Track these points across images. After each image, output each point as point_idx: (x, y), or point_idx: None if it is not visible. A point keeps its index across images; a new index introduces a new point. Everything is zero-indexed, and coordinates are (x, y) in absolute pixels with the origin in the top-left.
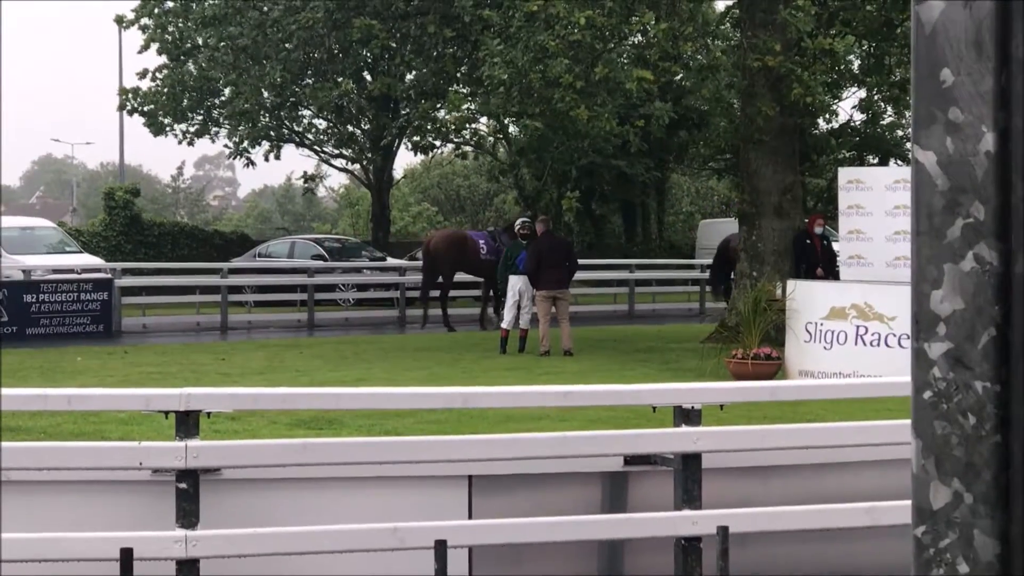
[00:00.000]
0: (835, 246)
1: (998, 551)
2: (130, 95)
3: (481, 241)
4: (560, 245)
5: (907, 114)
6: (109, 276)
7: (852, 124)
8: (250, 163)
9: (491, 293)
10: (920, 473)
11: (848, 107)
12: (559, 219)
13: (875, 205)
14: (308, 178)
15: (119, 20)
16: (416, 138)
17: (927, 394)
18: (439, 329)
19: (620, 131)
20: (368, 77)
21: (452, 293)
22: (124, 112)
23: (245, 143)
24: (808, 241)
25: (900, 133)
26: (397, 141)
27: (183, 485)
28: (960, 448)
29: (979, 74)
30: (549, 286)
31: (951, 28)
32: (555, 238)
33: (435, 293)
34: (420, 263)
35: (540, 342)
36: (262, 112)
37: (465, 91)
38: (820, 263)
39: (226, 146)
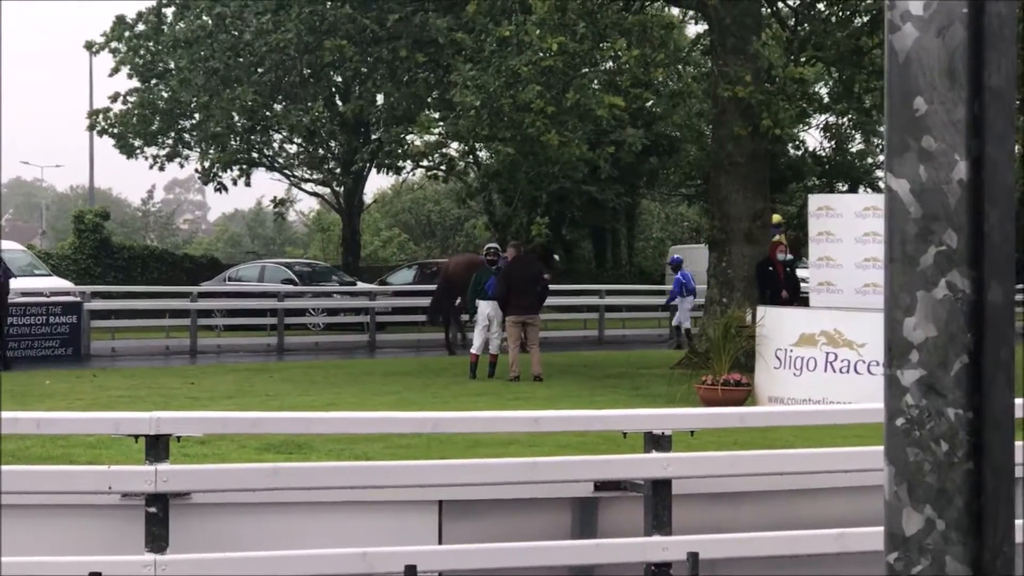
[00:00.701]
0: (802, 272)
1: None
2: (100, 116)
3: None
4: (530, 271)
5: (876, 141)
6: (78, 299)
7: (820, 151)
8: (222, 188)
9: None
10: (893, 499)
11: (817, 134)
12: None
13: (845, 232)
14: (279, 202)
15: (89, 46)
16: (387, 161)
17: (900, 421)
18: (407, 353)
19: (591, 156)
20: (339, 101)
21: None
22: (94, 134)
23: (216, 167)
24: (771, 268)
25: (870, 160)
26: (368, 166)
27: (153, 509)
28: (932, 475)
29: (952, 103)
30: (518, 312)
31: (924, 57)
32: (525, 264)
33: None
34: (432, 286)
35: (510, 367)
36: (233, 136)
37: (435, 116)
38: (783, 288)
39: (196, 171)
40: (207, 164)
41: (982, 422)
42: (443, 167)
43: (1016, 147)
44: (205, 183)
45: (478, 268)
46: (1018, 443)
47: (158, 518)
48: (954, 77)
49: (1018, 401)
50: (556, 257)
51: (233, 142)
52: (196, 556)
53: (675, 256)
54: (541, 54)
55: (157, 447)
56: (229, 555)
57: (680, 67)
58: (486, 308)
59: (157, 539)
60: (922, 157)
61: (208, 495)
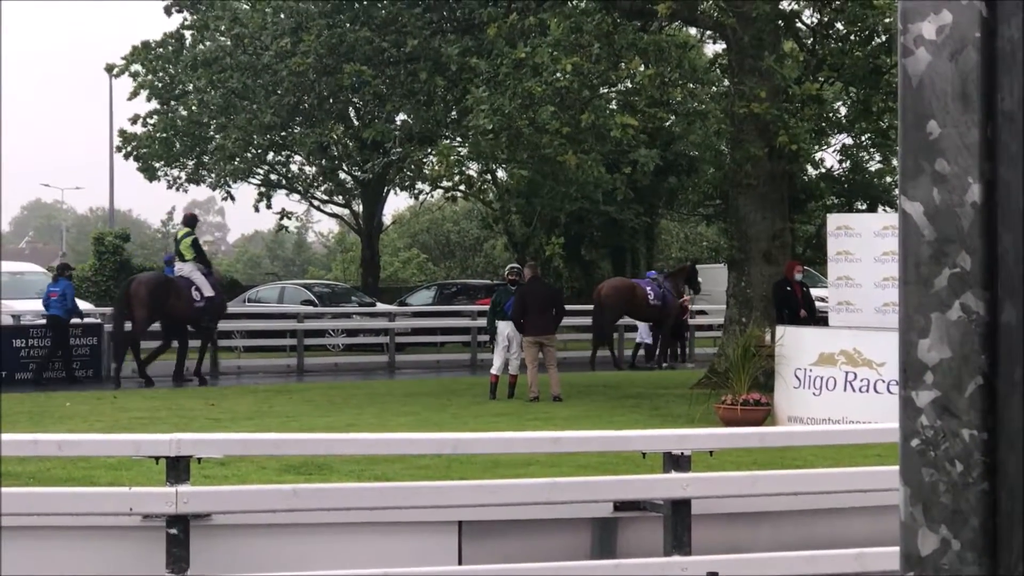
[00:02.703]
0: (814, 292)
1: None
2: (123, 140)
3: (648, 288)
4: (546, 291)
5: (894, 160)
6: (98, 321)
7: (838, 171)
8: (229, 196)
9: (659, 335)
10: (908, 520)
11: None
12: (548, 265)
13: (864, 251)
14: (285, 215)
15: (109, 69)
16: (405, 183)
17: (915, 442)
18: (427, 374)
19: (608, 178)
20: (355, 120)
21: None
22: (117, 156)
23: (226, 177)
24: (788, 288)
25: (888, 179)
26: (385, 187)
27: (173, 531)
28: (948, 495)
29: (965, 126)
30: (535, 332)
31: (937, 81)
32: (541, 284)
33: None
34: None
35: (529, 388)
36: (248, 150)
37: (455, 141)
38: (801, 308)
39: (206, 173)
40: (219, 173)
41: (996, 443)
42: (462, 187)
43: None
44: (214, 189)
45: (629, 292)
46: None
47: (179, 539)
48: (967, 101)
49: None
50: (700, 280)
51: (249, 155)
52: None
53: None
54: (557, 75)
55: (177, 468)
56: None
57: (697, 86)
58: (506, 328)
59: (178, 560)
60: (936, 180)
61: (228, 516)
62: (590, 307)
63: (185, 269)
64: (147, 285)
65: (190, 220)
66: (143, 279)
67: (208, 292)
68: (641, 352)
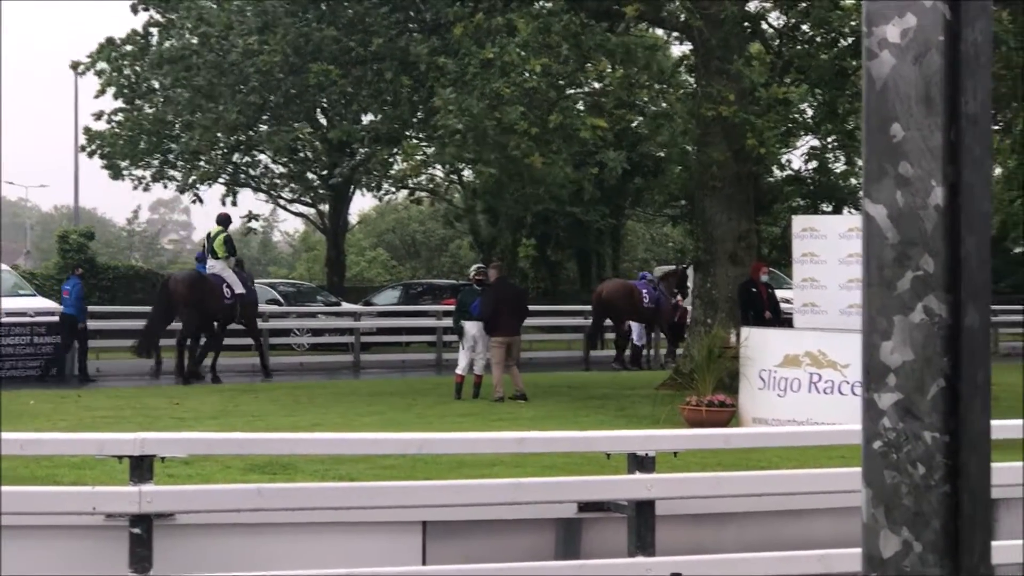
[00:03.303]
0: (779, 293)
1: None
2: (90, 137)
3: (644, 291)
4: (514, 292)
5: (859, 163)
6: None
7: (804, 172)
8: (198, 199)
9: (650, 336)
10: (870, 522)
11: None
12: (514, 265)
13: (829, 253)
14: (252, 217)
15: (74, 66)
16: (371, 182)
17: (877, 444)
18: (392, 374)
19: (575, 177)
20: (323, 120)
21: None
22: (82, 154)
23: (192, 178)
24: (754, 289)
25: (854, 181)
26: (352, 187)
27: (137, 530)
28: (909, 497)
29: (928, 129)
30: (505, 332)
31: (901, 84)
32: (509, 284)
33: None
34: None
35: (495, 388)
36: (214, 151)
37: (420, 138)
38: (766, 309)
39: (174, 178)
40: (185, 175)
41: (958, 445)
42: (427, 191)
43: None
44: (182, 192)
45: (628, 293)
46: (994, 465)
47: (142, 539)
48: (931, 104)
49: (994, 423)
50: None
51: (215, 158)
52: None
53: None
54: (526, 75)
55: (141, 468)
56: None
57: (664, 88)
58: (472, 329)
59: (141, 560)
60: (899, 183)
61: (192, 516)
62: (558, 307)
63: (217, 267)
64: (185, 283)
65: (224, 219)
66: (180, 277)
67: (239, 289)
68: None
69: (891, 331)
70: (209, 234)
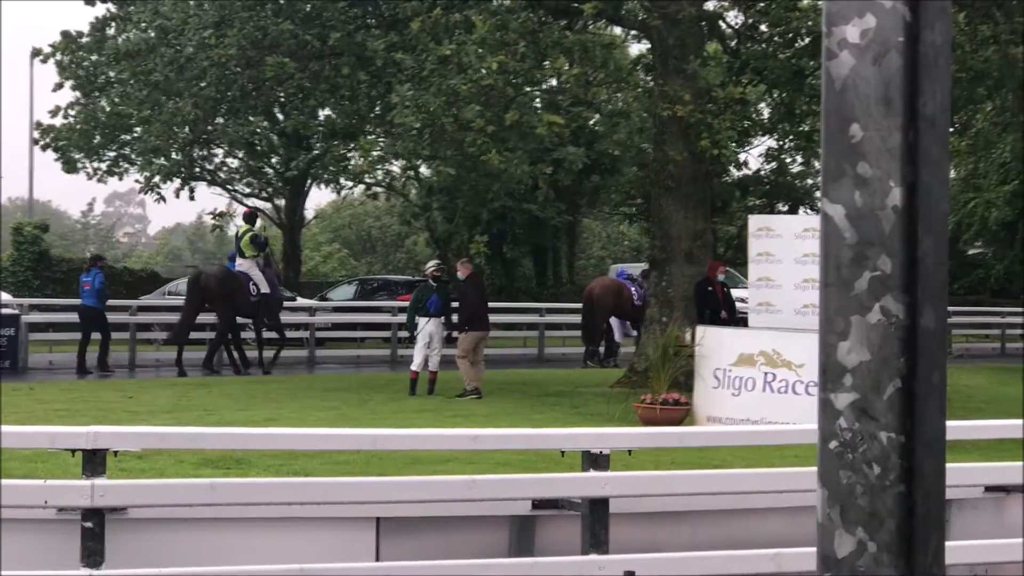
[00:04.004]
0: (735, 292)
1: None
2: (44, 132)
3: (632, 289)
4: (483, 289)
5: (816, 163)
6: (16, 312)
7: (761, 173)
8: (161, 199)
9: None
10: (825, 521)
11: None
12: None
13: (785, 253)
14: (217, 215)
15: (36, 53)
16: (327, 176)
17: (833, 444)
18: (347, 369)
19: (531, 170)
20: (279, 115)
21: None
22: (37, 147)
23: (156, 178)
24: (710, 288)
25: (810, 182)
26: (308, 181)
27: (89, 524)
28: (865, 497)
29: (887, 130)
30: (484, 327)
31: (861, 85)
32: (481, 280)
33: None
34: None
35: (472, 382)
36: (174, 148)
37: (376, 134)
38: (722, 308)
39: (137, 180)
40: (147, 175)
41: (914, 446)
42: (383, 185)
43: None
44: (144, 192)
45: (617, 292)
46: (948, 466)
47: (94, 533)
48: (890, 104)
49: (995, 423)
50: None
51: (174, 154)
52: (132, 572)
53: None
54: (483, 72)
55: (94, 462)
56: (165, 571)
57: (621, 86)
58: (427, 325)
59: (93, 554)
60: (857, 183)
61: (145, 510)
62: (515, 305)
63: (244, 265)
64: (216, 278)
65: (250, 217)
66: (212, 273)
67: (264, 288)
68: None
69: (848, 331)
70: (237, 232)
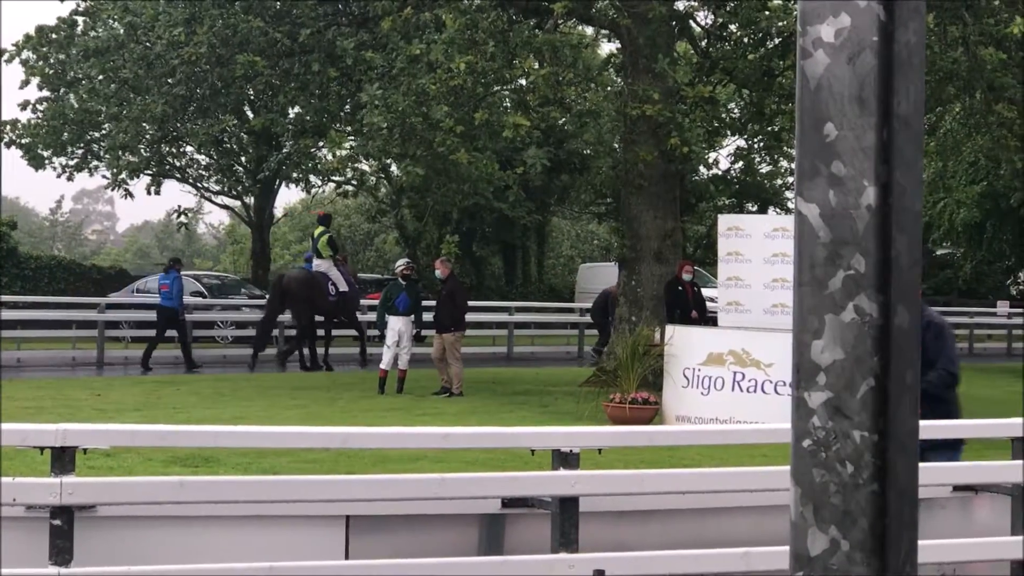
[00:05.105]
0: (704, 292)
1: None
2: (9, 127)
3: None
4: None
5: (784, 163)
6: None
7: (731, 173)
8: (128, 195)
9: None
10: (798, 520)
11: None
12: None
13: (754, 252)
14: (182, 212)
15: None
16: (296, 175)
17: (806, 442)
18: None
19: (501, 175)
20: (249, 113)
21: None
22: (2, 144)
23: (123, 174)
24: (679, 287)
25: (779, 182)
26: (278, 179)
27: (57, 522)
28: (838, 496)
29: (861, 129)
30: (464, 327)
31: (835, 84)
32: (459, 281)
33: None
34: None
35: (457, 384)
36: (143, 145)
37: (347, 130)
38: (692, 308)
39: (104, 176)
40: (115, 171)
41: (887, 444)
42: (354, 182)
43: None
44: (111, 188)
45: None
46: (922, 465)
47: (63, 531)
48: (864, 104)
49: (996, 422)
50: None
51: (143, 151)
52: (101, 570)
53: None
54: (452, 71)
55: (63, 459)
56: (134, 569)
57: (591, 86)
58: (396, 324)
59: (62, 552)
60: (832, 182)
61: (114, 508)
62: (485, 304)
63: (323, 265)
64: (297, 280)
65: (325, 219)
66: (293, 275)
67: (342, 287)
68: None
69: (822, 330)
70: (313, 234)
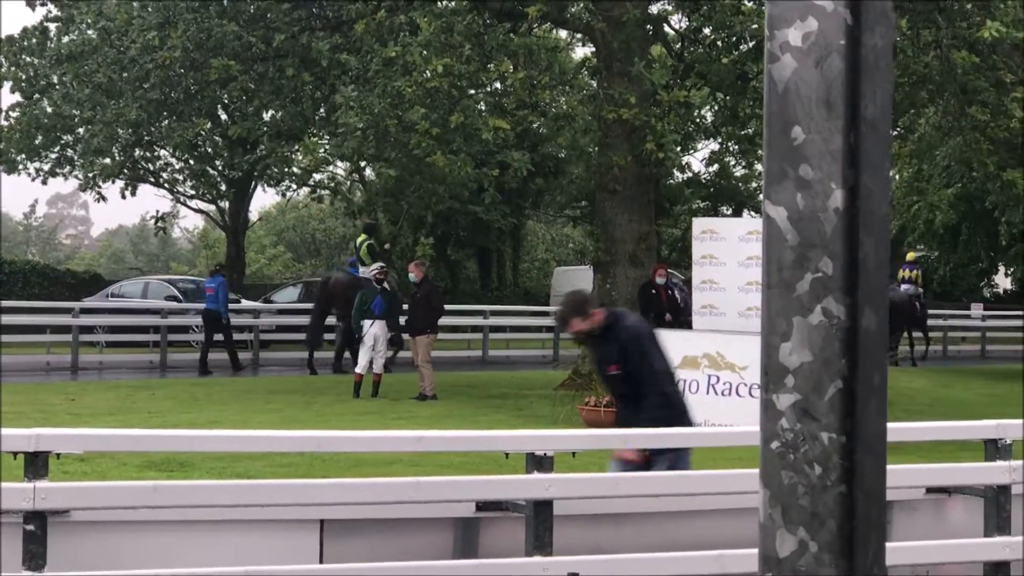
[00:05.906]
0: (678, 295)
1: None
2: None
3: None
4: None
5: (758, 167)
6: None
7: (705, 176)
8: (101, 198)
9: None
10: (767, 522)
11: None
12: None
13: (728, 255)
14: (160, 218)
15: None
16: (271, 179)
17: (775, 444)
18: (291, 371)
19: (476, 174)
20: (224, 116)
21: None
22: None
23: (97, 178)
24: (653, 291)
25: (753, 185)
26: (253, 184)
27: (30, 527)
28: (806, 498)
29: (829, 132)
30: (437, 330)
31: (803, 87)
32: (433, 284)
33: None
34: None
35: (430, 387)
36: (116, 149)
37: (320, 136)
38: (667, 311)
39: (77, 177)
40: (89, 175)
41: (854, 446)
42: (328, 188)
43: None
44: (84, 190)
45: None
46: (890, 467)
47: (36, 536)
48: (831, 107)
49: (891, 426)
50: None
51: (117, 155)
52: (74, 575)
53: None
54: (428, 74)
55: (36, 464)
56: (108, 573)
57: (566, 89)
58: (373, 328)
59: (35, 557)
60: (799, 185)
61: (87, 513)
62: (460, 307)
63: (368, 272)
64: (343, 283)
65: (369, 228)
66: (340, 279)
67: None
68: None
69: (790, 332)
70: (355, 243)
